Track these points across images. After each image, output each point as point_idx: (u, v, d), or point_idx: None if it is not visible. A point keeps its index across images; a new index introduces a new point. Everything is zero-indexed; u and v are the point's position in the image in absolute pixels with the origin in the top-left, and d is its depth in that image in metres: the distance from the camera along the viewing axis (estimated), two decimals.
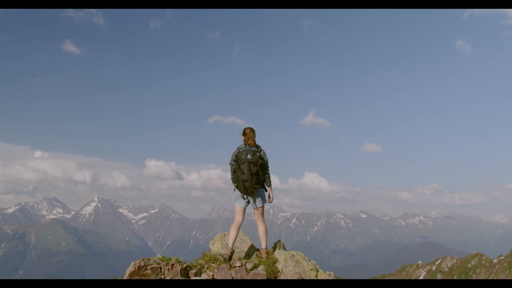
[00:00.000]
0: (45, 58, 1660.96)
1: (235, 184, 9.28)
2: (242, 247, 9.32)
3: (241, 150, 9.16)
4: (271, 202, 9.61)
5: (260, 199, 9.36)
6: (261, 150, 9.27)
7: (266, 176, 9.37)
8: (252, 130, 9.37)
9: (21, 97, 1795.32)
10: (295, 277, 7.55)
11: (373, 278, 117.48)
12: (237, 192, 9.39)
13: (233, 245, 9.23)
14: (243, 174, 8.98)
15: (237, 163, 9.07)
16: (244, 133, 9.36)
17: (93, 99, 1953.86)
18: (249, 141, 9.25)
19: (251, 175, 8.96)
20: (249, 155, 8.99)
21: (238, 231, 9.56)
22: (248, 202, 9.44)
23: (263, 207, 9.41)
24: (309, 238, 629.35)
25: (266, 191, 9.52)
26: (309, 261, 9.20)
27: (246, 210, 9.68)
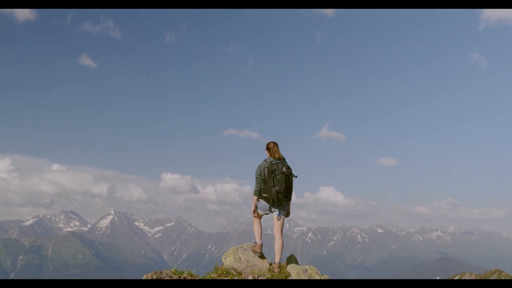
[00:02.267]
0: (61, 71, 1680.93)
1: (264, 195, 9.25)
2: (255, 261, 9.31)
3: (273, 162, 9.16)
4: (288, 216, 9.65)
5: (283, 211, 9.40)
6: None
7: (292, 190, 9.39)
8: (277, 144, 9.44)
9: (38, 110, 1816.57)
10: None
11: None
12: (263, 203, 9.39)
13: (261, 238, 9.64)
14: (277, 185, 8.96)
15: (272, 174, 9.03)
16: (269, 148, 9.43)
17: (109, 112, 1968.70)
18: (277, 155, 9.28)
19: (286, 187, 8.98)
20: (284, 168, 9.01)
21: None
22: (267, 214, 9.51)
23: (284, 218, 9.42)
24: (325, 252, 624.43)
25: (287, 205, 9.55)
26: (322, 275, 9.17)
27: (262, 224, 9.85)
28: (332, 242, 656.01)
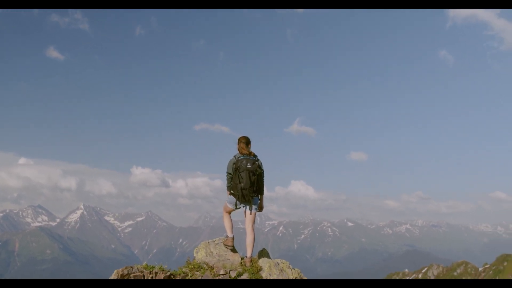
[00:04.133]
0: (28, 64, 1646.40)
1: (232, 192, 9.27)
2: (227, 255, 9.27)
3: (239, 158, 9.14)
4: (261, 211, 9.68)
5: (255, 206, 9.37)
6: (258, 159, 9.32)
7: (262, 185, 9.41)
8: (248, 139, 9.38)
9: (4, 103, 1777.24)
10: None
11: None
12: (231, 198, 9.40)
13: (232, 231, 9.70)
14: (242, 182, 8.97)
15: (236, 170, 9.03)
16: (240, 142, 9.36)
17: (77, 105, 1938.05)
18: (246, 151, 9.24)
19: (250, 183, 8.97)
20: (249, 164, 9.00)
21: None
22: (238, 208, 9.51)
23: (255, 213, 9.42)
24: (296, 246, 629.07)
25: (259, 199, 9.55)
26: (294, 269, 9.17)
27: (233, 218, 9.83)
28: (303, 236, 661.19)
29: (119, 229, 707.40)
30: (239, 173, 8.96)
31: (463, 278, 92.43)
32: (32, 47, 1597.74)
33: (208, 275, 7.79)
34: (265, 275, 8.50)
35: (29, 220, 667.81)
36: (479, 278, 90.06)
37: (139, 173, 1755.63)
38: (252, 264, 8.88)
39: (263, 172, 9.35)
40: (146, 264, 7.93)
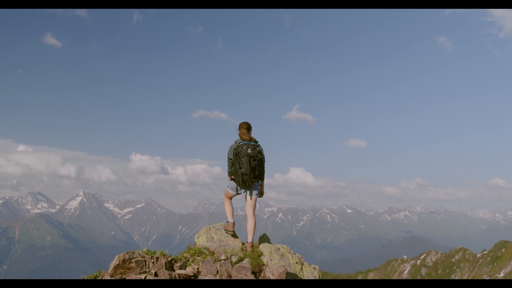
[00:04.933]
0: (25, 51, 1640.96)
1: (232, 177, 9.32)
2: (228, 241, 9.32)
3: (240, 143, 9.19)
4: (261, 197, 9.73)
5: (255, 191, 9.44)
6: (259, 145, 9.37)
7: (263, 170, 9.47)
8: (249, 125, 9.42)
9: (2, 90, 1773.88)
10: (281, 270, 7.51)
11: (359, 272, 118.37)
12: (232, 183, 9.46)
13: (232, 217, 9.71)
14: (243, 167, 9.03)
15: (237, 156, 9.10)
16: (241, 128, 9.39)
17: (76, 92, 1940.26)
18: (246, 136, 9.28)
19: (251, 168, 9.03)
20: (249, 149, 9.04)
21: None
22: (239, 194, 9.56)
23: (256, 198, 9.46)
24: (295, 232, 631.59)
25: (260, 185, 9.61)
26: (294, 254, 9.23)
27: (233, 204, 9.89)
28: (302, 222, 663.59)
29: (119, 215, 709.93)
30: (240, 158, 9.02)
31: (461, 264, 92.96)
32: (29, 33, 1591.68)
33: (209, 260, 7.80)
34: (266, 260, 8.53)
35: (29, 206, 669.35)
36: (477, 264, 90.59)
37: (138, 159, 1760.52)
38: (253, 249, 8.93)
39: (263, 157, 9.40)
40: (148, 250, 7.96)
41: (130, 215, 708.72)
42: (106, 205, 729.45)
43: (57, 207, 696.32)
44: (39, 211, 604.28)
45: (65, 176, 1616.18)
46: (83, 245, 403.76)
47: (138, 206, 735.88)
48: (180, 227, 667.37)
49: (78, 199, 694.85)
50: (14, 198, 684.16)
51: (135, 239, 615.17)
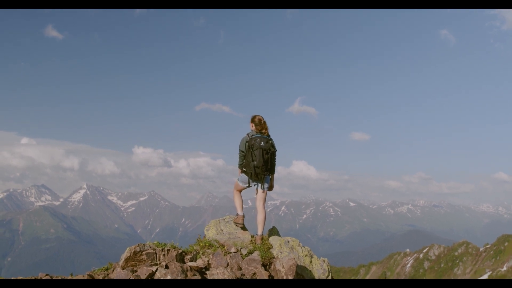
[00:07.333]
0: (27, 44, 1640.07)
1: (244, 169, 9.34)
2: (237, 233, 9.38)
3: (253, 136, 9.19)
4: (271, 190, 9.77)
5: (266, 184, 9.48)
6: (271, 138, 9.38)
7: (274, 164, 9.50)
8: (262, 118, 9.36)
9: (5, 83, 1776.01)
10: (291, 263, 7.57)
11: (361, 266, 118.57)
12: (243, 176, 9.47)
13: (242, 210, 9.79)
14: (255, 160, 9.05)
15: (250, 148, 9.11)
16: (255, 121, 9.34)
17: (79, 85, 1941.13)
18: (262, 130, 9.27)
19: (263, 161, 9.04)
20: (262, 142, 9.05)
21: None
22: (250, 186, 9.58)
23: (266, 191, 9.52)
24: (298, 226, 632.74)
25: (270, 178, 9.62)
26: (304, 247, 9.31)
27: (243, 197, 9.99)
28: (305, 216, 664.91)
29: (122, 208, 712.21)
30: (253, 151, 9.04)
31: (464, 258, 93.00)
32: (30, 26, 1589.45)
33: (219, 253, 7.81)
34: (275, 253, 8.54)
35: (32, 199, 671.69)
36: (480, 258, 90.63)
37: (141, 152, 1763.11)
38: (262, 242, 8.97)
39: (276, 151, 9.43)
40: (158, 242, 7.94)
41: (133, 208, 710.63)
42: (109, 197, 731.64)
43: (61, 199, 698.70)
44: (42, 203, 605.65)
45: (69, 169, 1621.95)
46: (87, 238, 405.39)
47: (142, 198, 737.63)
48: (183, 219, 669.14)
49: (82, 191, 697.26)
50: (18, 191, 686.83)
51: (138, 231, 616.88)
